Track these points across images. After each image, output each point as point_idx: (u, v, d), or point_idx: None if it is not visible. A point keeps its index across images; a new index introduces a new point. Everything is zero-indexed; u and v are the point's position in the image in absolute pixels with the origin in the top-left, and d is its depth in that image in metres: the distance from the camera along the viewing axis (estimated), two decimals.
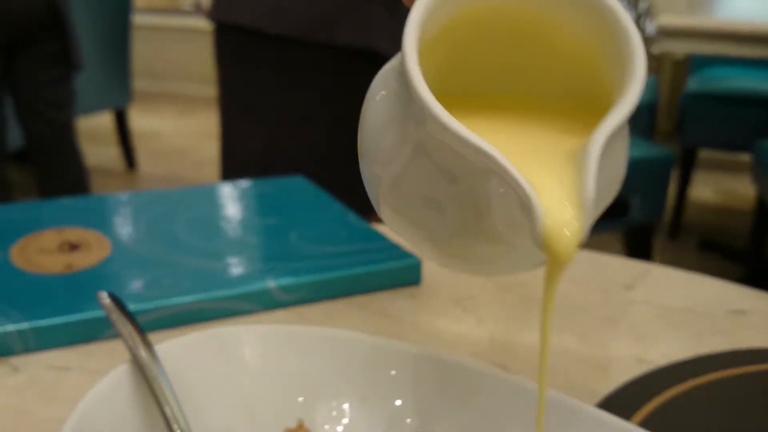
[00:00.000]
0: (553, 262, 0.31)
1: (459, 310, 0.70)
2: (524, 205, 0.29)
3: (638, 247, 2.49)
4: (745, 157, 2.95)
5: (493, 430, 0.43)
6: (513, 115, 0.37)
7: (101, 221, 0.81)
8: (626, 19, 0.32)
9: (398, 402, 0.45)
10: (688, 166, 3.07)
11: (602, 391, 0.58)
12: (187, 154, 4.08)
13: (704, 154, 3.21)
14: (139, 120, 4.21)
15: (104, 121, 3.84)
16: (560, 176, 0.30)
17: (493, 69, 0.39)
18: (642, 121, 2.59)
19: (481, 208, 0.32)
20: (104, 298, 0.47)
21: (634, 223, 2.26)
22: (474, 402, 0.45)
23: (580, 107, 0.36)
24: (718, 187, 3.62)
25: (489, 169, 0.29)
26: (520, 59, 0.38)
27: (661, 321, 0.70)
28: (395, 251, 0.73)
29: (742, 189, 3.45)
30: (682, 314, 0.71)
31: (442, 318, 0.68)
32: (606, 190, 0.34)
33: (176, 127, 4.57)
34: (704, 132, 2.96)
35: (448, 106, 0.30)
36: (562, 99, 0.38)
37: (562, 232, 0.29)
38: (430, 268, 0.75)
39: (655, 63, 3.54)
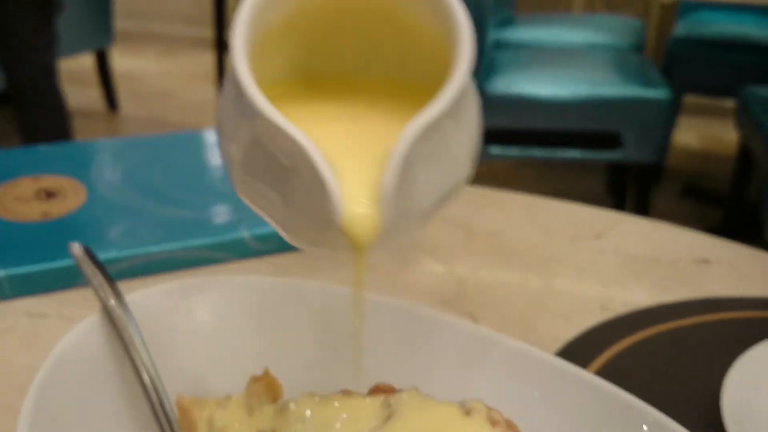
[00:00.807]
0: (354, 249, 0.33)
1: (432, 259, 0.71)
2: (325, 197, 0.30)
3: (627, 187, 2.51)
4: (729, 103, 2.96)
5: (455, 380, 0.44)
6: (359, 101, 0.38)
7: (78, 168, 0.81)
8: (457, 8, 0.33)
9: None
10: (673, 110, 3.07)
11: (565, 338, 0.60)
12: (170, 96, 4.04)
13: (690, 99, 3.21)
14: (120, 61, 4.15)
15: (85, 62, 3.78)
16: (370, 170, 0.32)
17: (355, 51, 0.39)
18: (629, 64, 2.58)
19: (304, 196, 0.33)
20: (76, 249, 0.48)
21: (628, 161, 2.27)
22: (435, 352, 0.47)
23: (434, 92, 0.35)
24: (702, 133, 3.63)
25: (300, 158, 0.30)
26: (379, 42, 0.38)
27: (627, 270, 0.72)
28: None
29: (726, 135, 3.46)
30: (649, 263, 0.73)
31: (413, 267, 0.70)
32: (435, 181, 0.34)
33: (159, 68, 4.52)
34: (690, 77, 2.95)
35: (298, 90, 0.32)
36: (418, 83, 0.37)
37: (356, 224, 0.31)
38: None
39: (642, 7, 3.51)
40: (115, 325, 0.43)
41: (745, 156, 2.58)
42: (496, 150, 2.22)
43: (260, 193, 0.35)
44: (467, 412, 0.37)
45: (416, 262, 0.70)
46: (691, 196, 3.01)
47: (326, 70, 0.40)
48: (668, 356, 0.60)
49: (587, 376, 0.43)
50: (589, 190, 2.98)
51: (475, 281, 0.68)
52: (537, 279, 0.69)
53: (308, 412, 0.37)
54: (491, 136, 2.19)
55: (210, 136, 0.92)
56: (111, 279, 0.46)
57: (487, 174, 2.99)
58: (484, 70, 2.23)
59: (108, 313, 0.43)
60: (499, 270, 0.70)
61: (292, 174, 0.32)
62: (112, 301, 0.44)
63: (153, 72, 4.46)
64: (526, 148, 2.26)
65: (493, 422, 0.36)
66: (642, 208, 2.34)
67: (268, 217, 0.36)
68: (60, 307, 0.61)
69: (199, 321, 0.47)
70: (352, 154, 0.33)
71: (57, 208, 0.72)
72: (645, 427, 0.39)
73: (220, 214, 0.72)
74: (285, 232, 0.37)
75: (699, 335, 0.63)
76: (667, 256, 0.75)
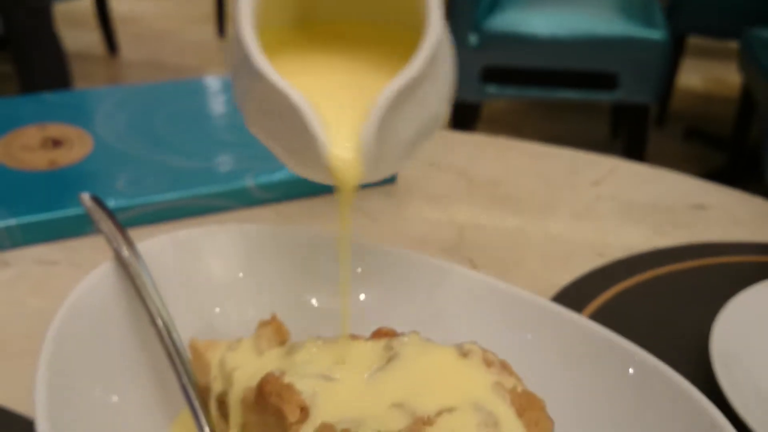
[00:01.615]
0: (340, 189, 0.38)
1: (432, 207, 0.73)
2: (313, 142, 0.34)
3: (627, 128, 2.51)
4: (734, 45, 2.93)
5: (454, 324, 0.46)
6: (347, 50, 0.41)
7: (83, 117, 0.82)
8: None
9: (362, 296, 0.49)
10: (676, 53, 3.05)
11: (561, 283, 0.62)
12: (169, 38, 4.00)
13: (693, 41, 3.17)
14: (120, 3, 4.10)
15: (84, 4, 3.74)
16: (354, 120, 0.36)
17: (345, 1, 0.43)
18: (633, 4, 2.54)
19: (298, 141, 0.37)
20: (86, 199, 0.50)
21: (625, 102, 2.26)
22: (435, 297, 0.48)
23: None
24: (705, 75, 3.61)
25: (292, 108, 0.35)
26: None
27: (623, 216, 0.73)
28: None
29: (729, 77, 3.43)
30: (645, 209, 0.74)
31: (415, 215, 0.71)
32: (415, 126, 0.38)
33: (158, 9, 4.46)
34: (695, 18, 2.92)
35: (294, 36, 0.37)
36: (402, 32, 0.40)
37: (340, 167, 0.35)
38: (405, 168, 0.77)
39: None
40: (128, 273, 0.44)
41: (747, 99, 2.57)
42: (492, 89, 2.21)
43: (264, 133, 0.40)
44: (464, 354, 0.38)
45: (416, 211, 0.72)
46: (694, 138, 3.01)
47: (320, 17, 0.43)
48: (662, 300, 0.61)
49: (578, 319, 0.45)
50: (594, 132, 2.98)
51: (474, 228, 0.70)
52: (535, 226, 0.71)
53: (314, 354, 0.39)
54: (488, 74, 2.18)
55: (213, 83, 0.93)
56: (122, 228, 0.47)
57: (492, 117, 2.98)
58: (483, 7, 2.21)
59: (121, 261, 0.45)
60: (497, 217, 0.72)
61: (287, 123, 0.36)
62: (125, 250, 0.45)
63: (152, 14, 4.41)
64: (523, 87, 2.25)
65: (488, 363, 0.38)
66: (639, 150, 2.34)
67: (273, 149, 0.41)
68: (70, 254, 0.63)
69: (208, 268, 0.48)
70: (339, 105, 0.37)
71: (64, 157, 0.73)
72: (631, 370, 0.41)
73: (225, 162, 0.73)
74: (288, 167, 0.41)
75: (693, 279, 0.64)
76: (663, 201, 0.76)
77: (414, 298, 0.48)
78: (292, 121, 0.35)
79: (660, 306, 0.61)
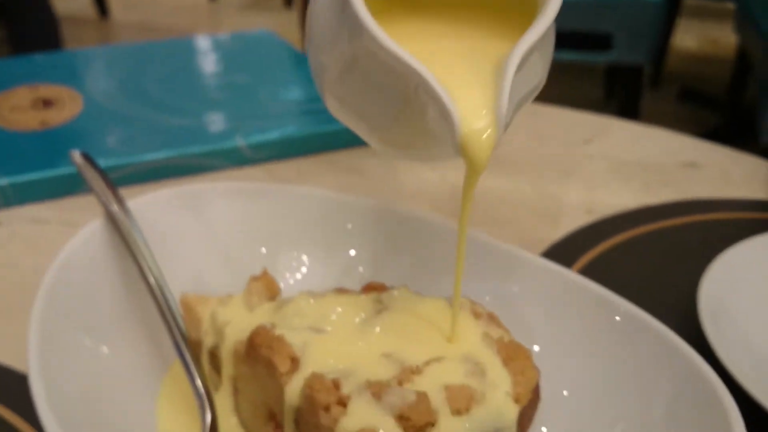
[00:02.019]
0: (470, 167, 0.33)
1: (423, 165, 0.73)
2: (444, 116, 0.30)
3: (621, 88, 2.50)
4: (729, 5, 2.91)
5: (441, 278, 0.47)
6: (453, 17, 0.37)
7: (73, 77, 0.82)
8: None
9: (352, 252, 0.49)
10: (672, 13, 3.02)
11: (551, 240, 0.62)
12: (160, 0, 3.95)
13: (689, 1, 3.15)
14: None
15: None
16: (481, 87, 0.31)
17: None
18: None
19: (411, 112, 0.33)
20: (77, 156, 0.50)
21: (620, 63, 2.25)
22: (426, 252, 0.49)
23: (523, 10, 0.35)
24: (701, 36, 3.58)
25: (415, 80, 0.30)
26: None
27: (614, 174, 0.73)
28: None
29: (725, 38, 3.41)
30: (635, 167, 0.75)
31: (407, 173, 0.71)
32: (525, 95, 0.35)
33: None
34: None
35: (390, 4, 0.31)
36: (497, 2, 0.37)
37: (476, 141, 0.31)
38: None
39: None
40: (118, 229, 0.45)
41: (743, 59, 2.55)
42: None
43: (359, 109, 0.35)
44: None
45: (409, 168, 0.72)
46: (688, 100, 3.00)
47: None
48: (650, 256, 0.62)
49: (565, 272, 0.45)
50: (588, 94, 2.97)
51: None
52: (526, 184, 0.71)
53: (305, 307, 0.40)
54: None
55: (204, 43, 0.92)
56: (112, 185, 0.47)
57: None
58: None
59: (111, 218, 0.45)
60: (489, 175, 0.72)
61: (401, 94, 0.32)
62: (115, 206, 0.45)
63: None
64: None
65: (476, 315, 0.39)
66: (633, 111, 2.33)
67: (363, 131, 0.36)
68: (62, 213, 0.63)
69: (199, 225, 0.49)
70: (457, 72, 0.33)
71: (55, 117, 0.73)
72: (617, 318, 0.42)
73: (216, 122, 0.73)
74: (381, 145, 0.37)
75: (682, 236, 0.65)
76: (655, 159, 0.76)
77: (404, 254, 0.49)
78: (405, 87, 0.32)
79: (648, 262, 0.61)
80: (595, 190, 0.70)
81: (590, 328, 0.43)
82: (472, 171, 0.33)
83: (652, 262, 0.61)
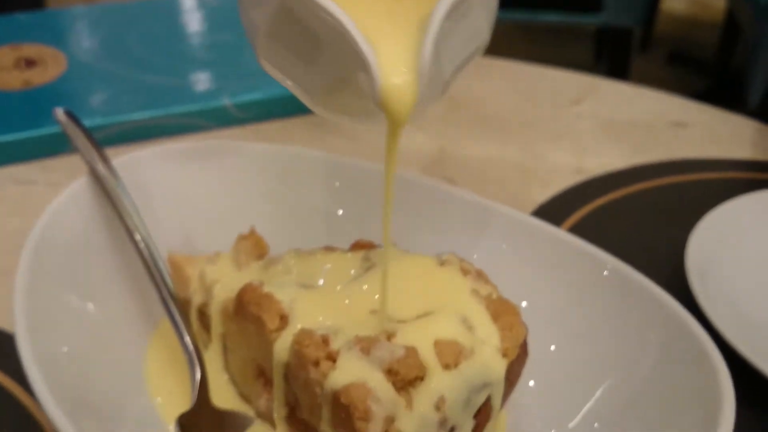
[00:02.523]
0: (389, 121, 0.32)
1: (412, 126, 0.72)
2: (364, 68, 0.30)
3: (610, 52, 2.48)
4: None
5: (429, 236, 0.46)
6: None
7: (56, 37, 0.80)
8: None
9: (340, 211, 0.49)
10: None
11: (540, 200, 0.62)
12: None
13: None
14: None
15: None
16: (405, 41, 0.31)
17: None
18: None
19: (337, 66, 0.33)
20: (60, 114, 0.49)
21: (610, 25, 2.23)
22: (414, 212, 0.49)
23: None
24: None
25: (338, 31, 0.30)
26: None
27: (603, 134, 0.73)
28: None
29: (714, 1, 3.40)
30: (625, 127, 0.74)
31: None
32: (463, 52, 0.34)
33: None
34: None
35: None
36: None
37: (394, 95, 0.30)
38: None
39: None
40: (104, 188, 0.44)
41: (732, 23, 2.54)
42: None
43: (287, 62, 0.35)
44: (441, 263, 0.39)
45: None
46: (677, 63, 2.99)
47: None
48: (639, 216, 0.62)
49: (552, 230, 0.45)
50: (577, 57, 2.95)
51: (454, 147, 0.70)
52: (515, 145, 0.70)
53: (293, 265, 0.40)
54: None
55: (188, 1, 0.91)
56: (97, 143, 0.47)
57: None
58: None
59: (96, 176, 0.45)
60: (478, 136, 0.72)
61: (326, 45, 0.32)
62: (99, 164, 0.45)
63: None
64: (506, 9, 2.21)
65: (465, 272, 0.38)
66: (622, 74, 2.32)
67: (294, 86, 0.36)
68: (47, 173, 0.62)
69: (185, 184, 0.48)
70: (384, 26, 0.32)
71: (38, 77, 0.71)
72: (605, 273, 0.42)
73: (202, 81, 0.72)
74: (311, 101, 0.36)
75: (670, 195, 0.65)
76: (643, 119, 0.76)
77: (393, 212, 0.48)
78: (333, 44, 0.31)
79: (636, 221, 0.61)
80: (584, 150, 0.70)
81: (578, 285, 0.43)
82: (392, 125, 0.33)
83: (641, 222, 0.61)
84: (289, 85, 0.36)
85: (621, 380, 0.39)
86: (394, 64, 0.30)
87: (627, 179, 0.66)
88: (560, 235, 0.45)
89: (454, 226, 0.47)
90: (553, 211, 0.60)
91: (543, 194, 0.63)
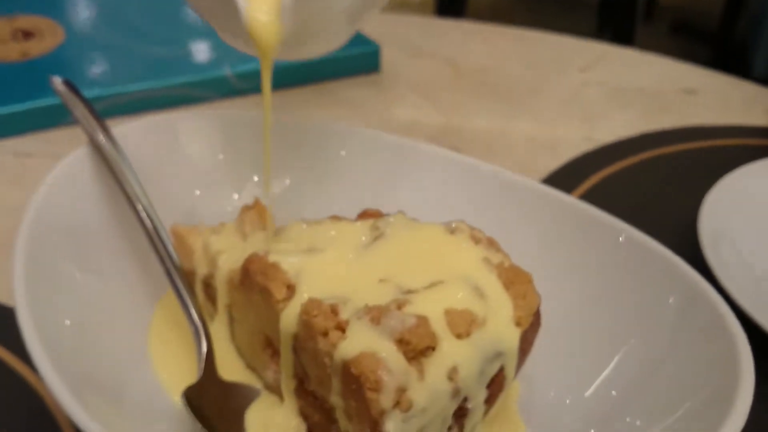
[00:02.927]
0: (260, 53, 0.37)
1: (417, 96, 0.71)
2: (235, 9, 0.34)
3: (613, 22, 2.45)
4: None
5: (438, 206, 0.45)
6: None
7: (52, 7, 0.78)
8: None
9: (346, 180, 0.48)
10: None
11: (548, 169, 0.61)
12: None
13: None
14: None
15: None
16: None
17: None
18: None
19: (220, 8, 0.37)
20: (58, 83, 0.47)
21: None
22: (420, 180, 0.48)
23: None
24: None
25: None
26: None
27: (612, 101, 0.72)
28: (355, 37, 0.73)
29: None
30: (634, 94, 0.73)
31: (400, 104, 0.70)
32: None
33: None
34: None
35: None
36: None
37: (259, 31, 0.35)
38: (389, 56, 0.75)
39: None
40: (104, 157, 0.43)
41: None
42: None
43: (194, 3, 0.39)
44: (451, 231, 0.38)
45: (401, 99, 0.70)
46: (680, 33, 2.96)
47: None
48: (650, 183, 0.61)
49: (565, 197, 0.44)
50: (580, 28, 2.92)
51: (460, 116, 0.68)
52: (522, 114, 0.69)
53: (299, 235, 0.39)
54: None
55: None
56: (96, 113, 0.46)
57: (478, 12, 2.91)
58: None
59: (96, 146, 0.44)
60: (484, 104, 0.70)
61: None
62: (100, 134, 0.44)
63: None
64: None
65: (476, 240, 0.37)
66: (626, 45, 2.30)
67: (201, 15, 0.40)
68: (46, 145, 0.61)
69: (187, 153, 0.47)
70: None
71: (35, 48, 0.70)
72: (621, 239, 0.41)
73: (202, 51, 0.70)
74: (218, 31, 0.40)
75: (681, 162, 0.64)
76: (652, 86, 0.75)
77: (400, 181, 0.47)
78: None
79: (648, 189, 0.60)
80: (593, 118, 0.69)
81: (591, 252, 0.42)
82: (262, 57, 0.37)
83: (652, 189, 0.60)
84: (202, 17, 0.40)
85: (637, 347, 0.38)
86: (260, 4, 0.35)
87: (637, 147, 0.65)
88: (573, 202, 0.44)
89: (464, 195, 0.46)
90: (562, 180, 0.59)
91: (552, 163, 0.62)
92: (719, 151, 0.65)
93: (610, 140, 0.65)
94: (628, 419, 0.36)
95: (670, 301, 0.38)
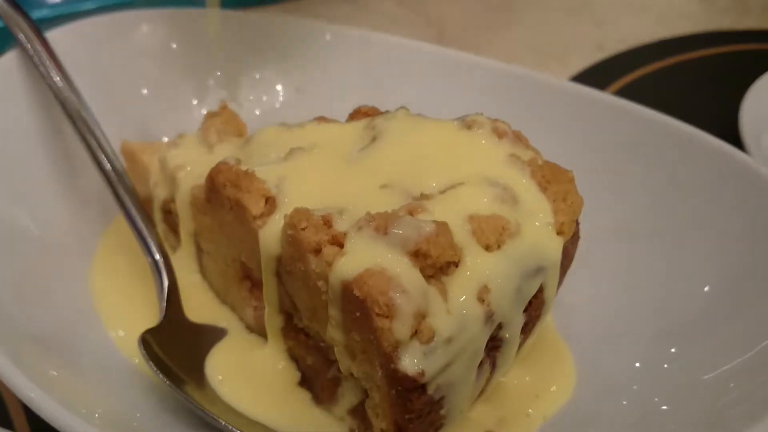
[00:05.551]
0: None
1: (401, 8, 0.63)
2: None
3: None
4: None
5: (449, 104, 0.37)
6: None
7: None
8: None
9: (332, 80, 0.40)
10: None
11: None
12: None
13: None
14: None
15: None
16: None
17: None
18: None
19: None
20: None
21: None
22: (427, 79, 0.40)
23: None
24: None
25: None
26: None
27: (623, 5, 0.64)
28: None
29: None
30: None
31: (384, 18, 0.62)
32: None
33: None
34: None
35: None
36: None
37: None
38: None
39: None
40: (35, 64, 0.35)
41: None
42: None
43: None
44: (468, 126, 0.30)
45: (386, 13, 0.62)
46: None
47: None
48: (673, 89, 0.54)
49: (600, 94, 0.37)
50: None
51: (455, 28, 0.61)
52: (525, 22, 0.62)
53: (278, 138, 0.31)
54: None
55: None
56: (28, 16, 0.37)
57: None
58: None
59: (26, 52, 0.36)
60: (482, 11, 0.63)
61: None
62: (34, 41, 0.35)
63: None
64: None
65: (500, 134, 0.30)
66: None
67: None
68: None
69: (133, 57, 0.39)
70: None
71: None
72: (667, 136, 0.34)
73: None
74: None
75: (704, 68, 0.57)
76: None
77: (400, 80, 0.39)
78: None
79: (668, 98, 0.53)
80: (605, 24, 0.62)
81: (636, 151, 0.35)
82: None
83: (672, 98, 0.53)
84: None
85: (704, 249, 0.31)
86: None
87: (654, 54, 0.58)
88: (607, 98, 0.36)
89: (480, 95, 0.38)
90: None
91: (563, 74, 0.55)
92: (742, 57, 0.59)
93: (624, 48, 0.58)
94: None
95: (728, 191, 0.31)
